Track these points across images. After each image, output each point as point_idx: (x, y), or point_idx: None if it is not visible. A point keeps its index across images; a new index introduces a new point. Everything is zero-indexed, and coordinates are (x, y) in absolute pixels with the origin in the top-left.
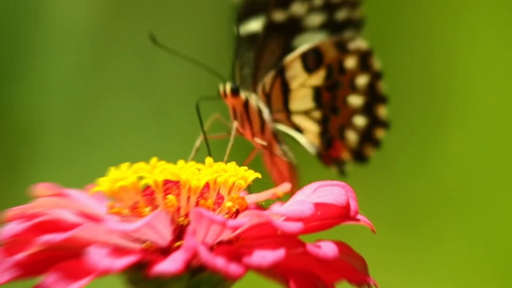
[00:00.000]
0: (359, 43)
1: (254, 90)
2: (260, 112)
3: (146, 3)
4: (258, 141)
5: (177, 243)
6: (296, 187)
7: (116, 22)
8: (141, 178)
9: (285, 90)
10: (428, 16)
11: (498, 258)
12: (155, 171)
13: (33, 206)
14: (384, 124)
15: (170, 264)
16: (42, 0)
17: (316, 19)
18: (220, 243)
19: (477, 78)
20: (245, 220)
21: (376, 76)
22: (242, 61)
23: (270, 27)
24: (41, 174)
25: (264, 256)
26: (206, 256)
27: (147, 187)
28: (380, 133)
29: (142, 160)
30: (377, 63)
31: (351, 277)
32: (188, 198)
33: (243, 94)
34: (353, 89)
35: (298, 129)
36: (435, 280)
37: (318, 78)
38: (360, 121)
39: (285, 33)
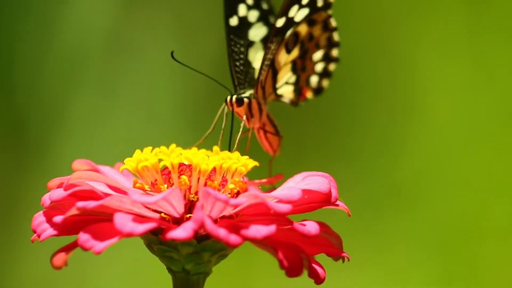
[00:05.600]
0: (323, 14)
1: (256, 88)
2: (259, 105)
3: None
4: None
5: (188, 215)
6: (279, 153)
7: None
8: (160, 160)
9: (274, 75)
10: (393, 33)
11: (439, 238)
12: (172, 155)
13: (71, 178)
14: (335, 59)
15: (182, 232)
16: None
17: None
18: (223, 217)
19: (436, 87)
20: (244, 199)
21: (332, 31)
22: (234, 57)
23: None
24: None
25: (259, 230)
26: (211, 227)
27: (165, 168)
28: (332, 67)
29: (158, 143)
30: (334, 22)
31: (329, 252)
32: (198, 179)
33: (245, 98)
34: (318, 48)
35: (280, 96)
36: (387, 256)
37: (295, 53)
38: (320, 66)
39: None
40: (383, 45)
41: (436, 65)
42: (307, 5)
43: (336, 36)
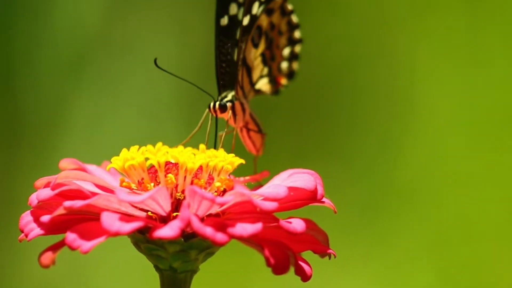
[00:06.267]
0: (278, 0)
1: (236, 89)
2: (242, 105)
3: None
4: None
5: (175, 214)
6: (263, 151)
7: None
8: (147, 159)
9: (249, 72)
10: (393, 33)
11: (438, 238)
12: (159, 153)
13: (58, 177)
14: (299, 41)
15: (168, 231)
16: None
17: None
18: (210, 215)
19: (435, 88)
20: (230, 198)
21: (289, 14)
22: (221, 58)
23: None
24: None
25: (245, 228)
26: (197, 225)
27: (151, 166)
28: (297, 49)
29: (156, 142)
30: (290, 6)
31: (315, 248)
32: (185, 177)
33: (228, 103)
34: (281, 34)
35: (258, 91)
36: (385, 255)
37: (262, 46)
38: (286, 51)
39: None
40: (382, 45)
41: (436, 66)
42: (266, 1)
43: (294, 18)
